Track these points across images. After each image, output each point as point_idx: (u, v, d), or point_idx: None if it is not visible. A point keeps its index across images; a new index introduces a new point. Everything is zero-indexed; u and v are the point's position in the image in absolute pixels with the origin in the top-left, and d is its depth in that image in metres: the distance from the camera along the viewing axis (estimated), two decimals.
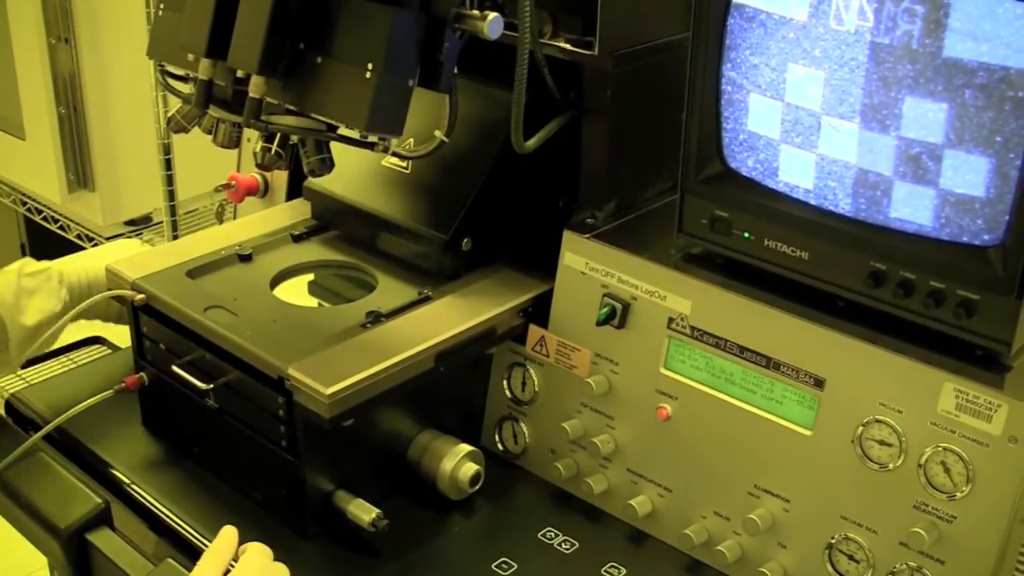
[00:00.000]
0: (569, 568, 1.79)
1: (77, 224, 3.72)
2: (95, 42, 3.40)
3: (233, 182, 2.45)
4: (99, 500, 1.83)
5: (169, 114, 1.91)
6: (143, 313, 1.98)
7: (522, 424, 1.99)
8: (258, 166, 1.79)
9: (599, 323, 1.87)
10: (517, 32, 1.72)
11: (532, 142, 1.88)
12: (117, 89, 3.47)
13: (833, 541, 1.68)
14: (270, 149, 1.76)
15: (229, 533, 1.61)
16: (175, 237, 3.39)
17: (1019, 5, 1.45)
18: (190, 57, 1.75)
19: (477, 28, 1.66)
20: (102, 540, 1.80)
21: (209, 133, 1.83)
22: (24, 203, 3.85)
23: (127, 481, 1.94)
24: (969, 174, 1.55)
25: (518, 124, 1.81)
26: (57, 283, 2.05)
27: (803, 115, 1.69)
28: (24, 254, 4.16)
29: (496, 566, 1.77)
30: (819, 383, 1.69)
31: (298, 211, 2.24)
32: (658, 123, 1.99)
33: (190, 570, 1.60)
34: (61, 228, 3.76)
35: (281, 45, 1.66)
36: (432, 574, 1.79)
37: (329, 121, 1.70)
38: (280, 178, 2.42)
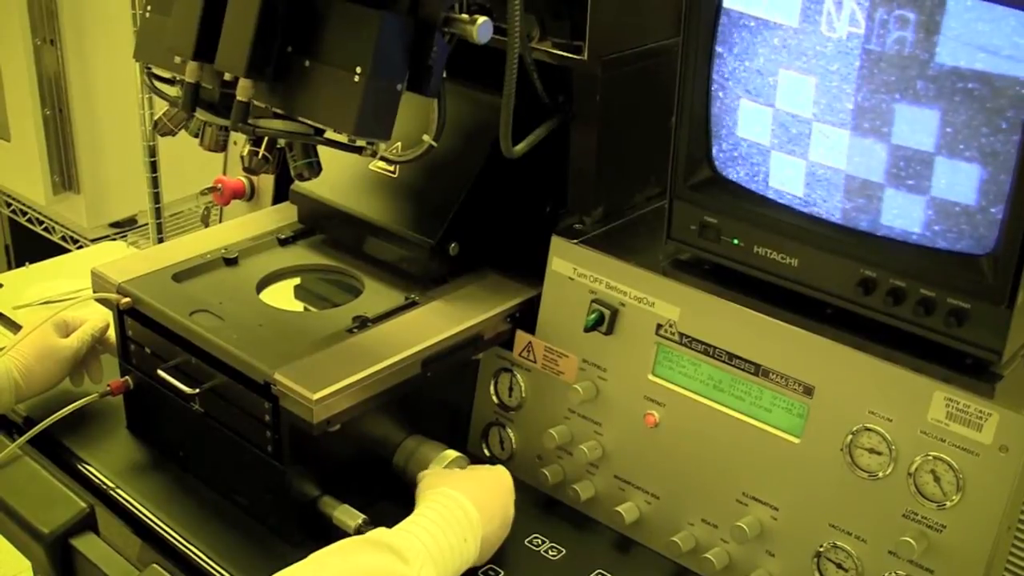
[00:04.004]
0: (556, 575, 1.78)
1: (62, 226, 3.71)
2: (81, 43, 3.39)
3: (219, 185, 2.44)
4: (84, 505, 1.82)
5: (155, 117, 1.90)
6: (128, 317, 1.97)
7: (509, 430, 1.98)
8: (245, 170, 1.78)
9: (587, 329, 1.87)
10: (506, 36, 1.71)
11: (521, 147, 1.88)
12: (103, 91, 3.46)
13: (822, 549, 1.67)
14: (257, 153, 1.76)
15: None
16: (160, 240, 3.38)
17: (1012, 12, 1.44)
18: (177, 60, 1.74)
19: (466, 32, 1.65)
20: (86, 545, 1.79)
21: (196, 136, 1.83)
22: (9, 204, 3.84)
23: (112, 485, 1.93)
24: (960, 182, 1.54)
25: (507, 129, 1.80)
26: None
27: (794, 121, 1.69)
28: (8, 256, 4.14)
29: (483, 572, 1.77)
30: (808, 391, 1.68)
31: (284, 215, 2.23)
32: (647, 128, 1.98)
33: None
34: (46, 230, 3.75)
35: (269, 48, 1.65)
36: None
37: (317, 125, 1.69)
38: (266, 181, 2.42)
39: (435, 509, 1.68)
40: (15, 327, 2.49)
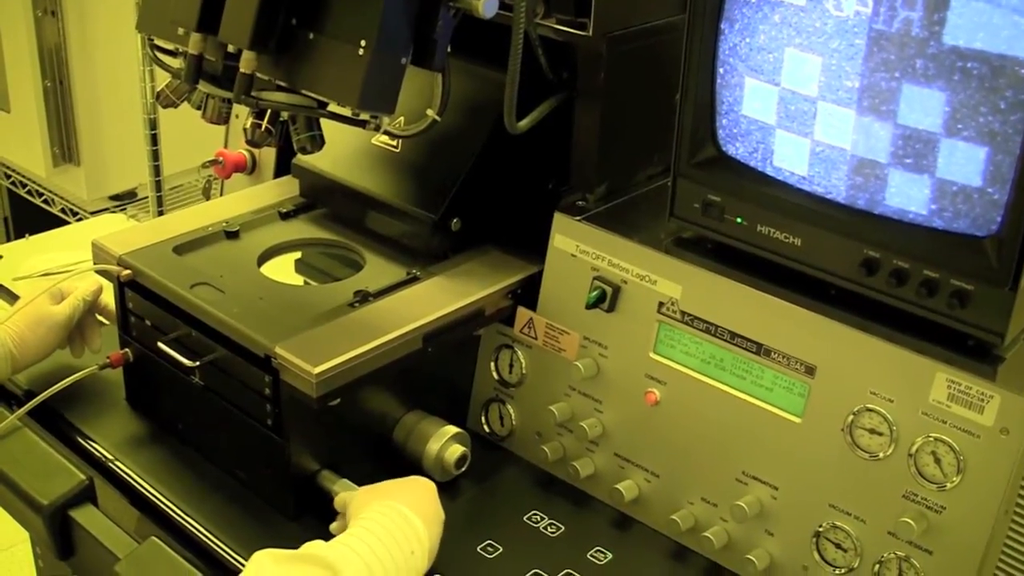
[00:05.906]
0: (554, 552, 1.78)
1: (61, 198, 3.70)
2: (82, 14, 3.38)
3: (221, 158, 2.43)
4: (83, 476, 1.82)
5: (158, 89, 1.89)
6: (129, 289, 1.97)
7: (509, 406, 1.98)
8: (248, 142, 1.78)
9: (588, 306, 1.86)
10: (511, 12, 1.70)
11: (524, 123, 1.87)
12: (104, 62, 3.46)
13: (821, 529, 1.67)
14: (260, 125, 1.75)
15: None
16: (160, 213, 3.38)
17: None
18: (180, 31, 1.73)
19: (472, 6, 1.65)
20: (85, 517, 1.79)
21: (199, 108, 1.82)
22: (8, 176, 3.84)
23: (111, 458, 1.93)
24: (966, 163, 1.54)
25: (511, 104, 1.80)
26: None
27: (799, 100, 1.68)
28: (7, 228, 4.14)
29: (481, 548, 1.77)
30: (810, 370, 1.68)
31: (286, 188, 2.22)
32: (651, 106, 1.98)
33: (174, 548, 1.58)
34: (45, 202, 3.75)
35: (273, 20, 1.65)
36: None
37: (320, 98, 1.68)
38: (268, 155, 2.41)
39: (376, 521, 1.61)
40: (15, 298, 2.49)
